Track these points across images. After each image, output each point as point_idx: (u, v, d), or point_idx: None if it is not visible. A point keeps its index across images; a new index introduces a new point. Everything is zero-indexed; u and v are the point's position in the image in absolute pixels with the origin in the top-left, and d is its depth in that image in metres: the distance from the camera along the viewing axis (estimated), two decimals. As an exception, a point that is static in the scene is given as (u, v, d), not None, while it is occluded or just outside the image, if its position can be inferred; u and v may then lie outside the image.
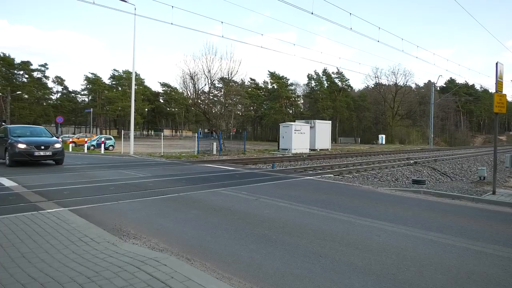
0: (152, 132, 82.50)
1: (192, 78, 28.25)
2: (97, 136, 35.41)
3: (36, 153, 12.60)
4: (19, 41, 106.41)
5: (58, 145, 13.39)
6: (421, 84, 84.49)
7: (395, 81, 71.27)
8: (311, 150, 29.71)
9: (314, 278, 3.35)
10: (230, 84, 34.77)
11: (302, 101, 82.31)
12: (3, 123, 56.98)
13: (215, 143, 24.08)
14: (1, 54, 61.85)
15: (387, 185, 10.32)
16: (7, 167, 12.31)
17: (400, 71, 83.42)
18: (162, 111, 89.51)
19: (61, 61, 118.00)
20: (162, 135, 32.43)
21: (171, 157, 19.60)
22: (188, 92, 29.91)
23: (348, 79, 77.78)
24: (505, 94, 9.09)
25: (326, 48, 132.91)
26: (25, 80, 66.47)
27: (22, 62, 65.41)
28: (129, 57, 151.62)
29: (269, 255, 3.95)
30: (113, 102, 70.77)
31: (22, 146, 12.35)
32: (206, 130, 56.76)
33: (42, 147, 12.82)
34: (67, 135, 42.11)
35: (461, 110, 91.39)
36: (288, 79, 77.96)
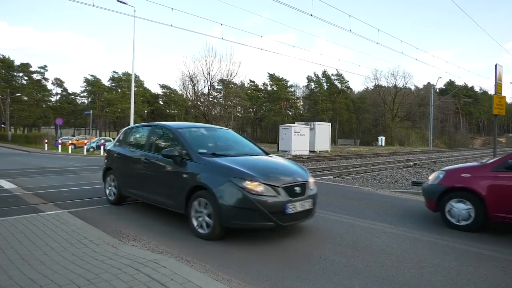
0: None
1: (191, 80, 28.37)
2: (97, 138, 35.40)
3: (290, 208, 4.50)
4: (18, 42, 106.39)
5: (312, 180, 5.38)
6: (421, 86, 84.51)
7: (394, 83, 71.35)
8: (311, 151, 29.71)
9: (313, 280, 3.35)
10: (230, 86, 34.83)
11: (301, 103, 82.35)
12: (3, 125, 57.00)
13: (214, 145, 24.02)
14: (1, 56, 61.92)
15: (387, 187, 10.32)
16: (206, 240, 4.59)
17: (399, 73, 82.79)
18: (161, 112, 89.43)
19: (60, 63, 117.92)
20: (161, 137, 32.33)
21: (171, 159, 19.56)
22: (188, 94, 30.05)
23: (348, 81, 77.87)
24: (504, 96, 9.12)
25: (326, 50, 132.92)
26: (24, 82, 66.49)
27: (22, 64, 65.45)
28: (128, 58, 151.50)
29: (268, 257, 3.94)
30: (112, 104, 70.81)
31: (258, 189, 4.40)
32: (205, 132, 56.50)
33: (297, 189, 4.75)
34: (66, 137, 42.10)
35: (460, 112, 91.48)
36: (288, 81, 78.05)
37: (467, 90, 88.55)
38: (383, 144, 59.12)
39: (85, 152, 25.46)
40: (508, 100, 68.42)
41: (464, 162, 24.59)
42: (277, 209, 4.42)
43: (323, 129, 33.38)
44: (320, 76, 75.26)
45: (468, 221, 5.18)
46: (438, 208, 5.54)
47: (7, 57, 63.10)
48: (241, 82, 52.11)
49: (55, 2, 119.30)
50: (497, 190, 5.04)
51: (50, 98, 73.59)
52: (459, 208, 5.25)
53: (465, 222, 5.21)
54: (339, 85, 75.73)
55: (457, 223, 5.25)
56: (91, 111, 44.39)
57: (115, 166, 6.61)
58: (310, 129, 30.79)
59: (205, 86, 29.42)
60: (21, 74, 66.36)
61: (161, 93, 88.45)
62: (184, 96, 35.41)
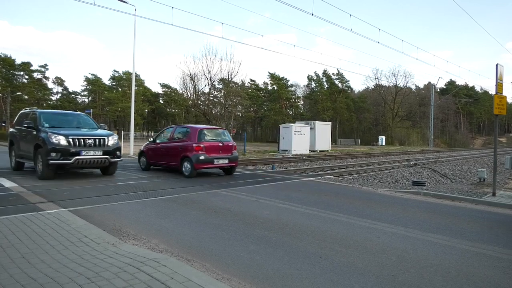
0: (152, 133, 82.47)
1: (192, 79, 28.38)
2: (97, 137, 35.31)
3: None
4: (19, 42, 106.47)
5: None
6: (421, 86, 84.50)
7: (395, 82, 71.33)
8: (311, 151, 29.70)
9: (313, 279, 3.36)
10: (230, 85, 34.84)
11: (302, 102, 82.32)
12: (3, 124, 57.01)
13: (215, 144, 24.05)
14: (2, 55, 61.91)
15: (387, 187, 10.33)
16: None
17: (400, 72, 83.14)
18: (162, 112, 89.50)
19: (61, 62, 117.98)
20: (162, 136, 32.39)
21: (171, 158, 19.55)
22: (188, 93, 30.06)
23: (348, 80, 77.97)
24: (505, 96, 9.10)
25: (326, 49, 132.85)
26: (25, 81, 66.53)
27: (23, 63, 65.48)
28: (129, 58, 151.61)
29: (268, 256, 3.95)
30: (113, 103, 70.80)
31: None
32: (206, 131, 56.41)
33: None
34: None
35: (461, 112, 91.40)
36: (288, 80, 78.03)
37: (467, 90, 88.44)
38: (384, 144, 59.10)
39: (85, 151, 25.47)
40: (509, 100, 68.33)
41: (465, 162, 24.63)
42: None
43: (324, 129, 33.36)
44: (320, 75, 75.24)
45: (144, 165, 12.10)
46: (139, 161, 12.60)
47: (8, 56, 63.14)
48: (242, 81, 52.12)
49: (56, 2, 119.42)
50: (149, 151, 12.11)
51: (51, 97, 73.60)
52: (143, 160, 12.25)
53: (143, 167, 12.23)
54: (339, 85, 75.69)
55: (142, 167, 12.33)
56: (91, 110, 44.31)
57: None
58: (311, 128, 30.77)
59: (205, 85, 29.50)
60: (21, 73, 66.39)
61: (161, 92, 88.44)
62: (185, 95, 35.44)
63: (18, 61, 64.83)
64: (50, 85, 72.82)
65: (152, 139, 12.42)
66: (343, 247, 4.31)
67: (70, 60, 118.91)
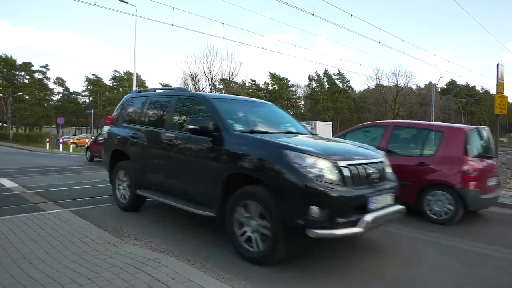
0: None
1: (193, 79, 28.42)
2: (98, 137, 35.35)
3: None
4: (20, 42, 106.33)
5: None
6: (422, 86, 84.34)
7: (396, 82, 71.24)
8: (312, 151, 29.67)
9: (314, 279, 3.35)
10: (231, 85, 34.85)
11: (302, 103, 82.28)
12: (4, 124, 57.11)
13: (216, 144, 24.03)
14: (3, 55, 62.00)
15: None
16: None
17: (401, 72, 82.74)
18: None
19: (62, 62, 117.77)
20: (163, 136, 32.34)
21: (172, 158, 19.56)
22: (189, 93, 30.04)
23: (349, 80, 77.81)
24: (506, 96, 9.11)
25: (327, 49, 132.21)
26: (26, 81, 66.57)
27: (24, 63, 65.52)
28: (130, 58, 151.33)
29: (269, 256, 3.94)
30: (114, 103, 70.69)
31: None
32: (207, 131, 56.31)
33: None
34: (68, 136, 42.17)
35: (462, 112, 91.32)
36: (289, 80, 77.94)
37: (468, 90, 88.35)
38: (384, 144, 58.95)
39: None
40: (510, 100, 68.21)
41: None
42: None
43: (324, 129, 33.28)
44: (321, 75, 75.19)
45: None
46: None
47: (9, 56, 63.20)
48: (243, 81, 52.18)
49: (57, 2, 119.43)
50: (94, 146, 15.58)
51: (52, 97, 73.67)
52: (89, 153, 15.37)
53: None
54: (340, 85, 75.65)
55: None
56: (92, 110, 44.42)
57: None
58: (311, 128, 30.73)
59: (206, 86, 29.56)
60: (23, 73, 66.44)
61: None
62: (185, 95, 35.44)
63: (19, 62, 64.89)
64: (51, 85, 72.83)
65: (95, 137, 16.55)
66: (344, 247, 4.30)
67: (71, 61, 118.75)
